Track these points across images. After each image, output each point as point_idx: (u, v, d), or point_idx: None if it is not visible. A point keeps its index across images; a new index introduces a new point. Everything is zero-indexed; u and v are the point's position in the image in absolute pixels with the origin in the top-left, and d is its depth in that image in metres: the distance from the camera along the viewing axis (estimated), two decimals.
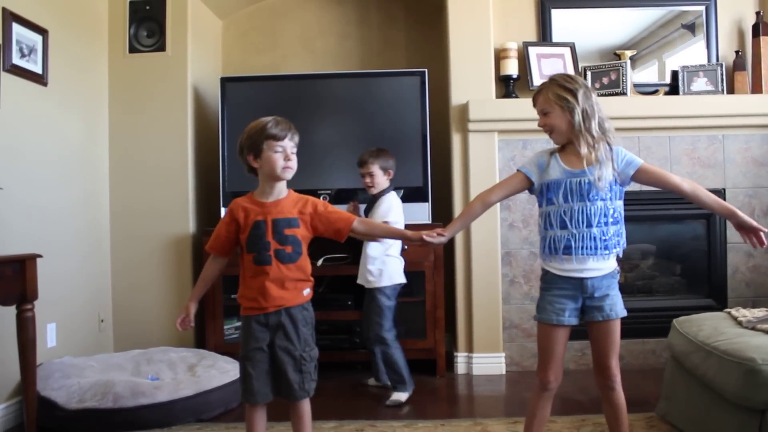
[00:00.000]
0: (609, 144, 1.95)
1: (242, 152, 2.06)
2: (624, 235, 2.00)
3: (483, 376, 3.47)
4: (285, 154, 2.01)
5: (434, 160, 3.67)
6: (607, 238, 1.94)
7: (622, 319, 2.00)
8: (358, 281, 3.12)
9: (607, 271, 1.97)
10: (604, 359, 1.99)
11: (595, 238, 1.93)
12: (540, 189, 2.02)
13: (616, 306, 1.97)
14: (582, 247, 1.93)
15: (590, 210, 1.94)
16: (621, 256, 2.02)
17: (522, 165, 2.07)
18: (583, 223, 1.93)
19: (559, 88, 1.96)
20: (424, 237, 2.05)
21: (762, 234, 1.95)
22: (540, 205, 2.05)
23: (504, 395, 3.21)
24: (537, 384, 2.05)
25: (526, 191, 2.08)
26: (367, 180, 3.11)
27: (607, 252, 1.95)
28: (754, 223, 1.96)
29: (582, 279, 1.95)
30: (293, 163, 2.02)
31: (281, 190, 2.06)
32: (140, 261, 3.64)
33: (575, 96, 1.93)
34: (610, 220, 1.95)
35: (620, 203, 2.00)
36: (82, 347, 3.31)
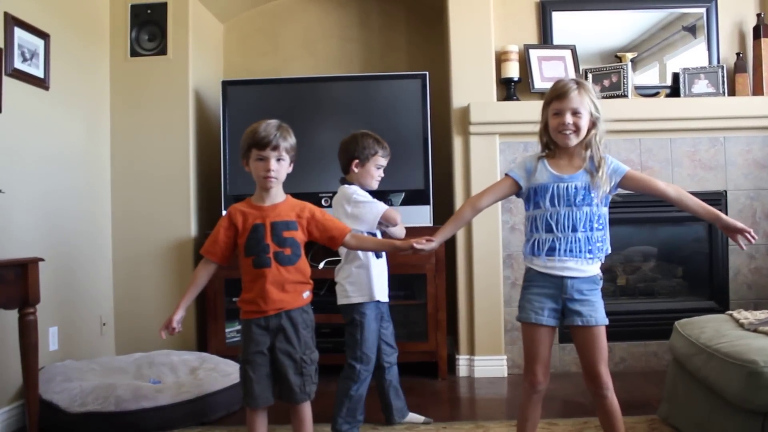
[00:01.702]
0: (602, 156, 1.98)
1: (240, 157, 2.09)
2: (608, 241, 2.01)
3: (485, 379, 3.47)
4: (265, 163, 1.99)
5: (435, 162, 3.67)
6: (591, 243, 1.96)
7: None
8: (386, 299, 2.66)
9: (589, 275, 1.97)
10: (593, 367, 1.98)
11: (579, 241, 1.95)
12: (528, 193, 2.03)
13: (597, 313, 1.96)
14: (566, 250, 1.94)
15: (576, 215, 1.95)
16: (603, 261, 2.03)
17: (510, 169, 2.08)
18: (568, 227, 1.95)
19: (593, 96, 1.97)
20: (414, 245, 2.05)
21: (749, 232, 1.96)
22: (527, 209, 2.06)
23: (506, 398, 3.20)
24: (526, 386, 2.05)
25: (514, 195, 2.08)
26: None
27: (590, 256, 1.96)
28: (739, 225, 1.97)
29: (562, 278, 1.95)
30: (275, 173, 2.00)
31: (277, 194, 2.07)
32: (142, 264, 3.65)
33: (599, 107, 1.98)
34: (596, 225, 1.97)
35: (606, 210, 2.01)
36: (84, 351, 3.31)
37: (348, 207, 2.55)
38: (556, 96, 1.97)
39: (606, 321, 1.98)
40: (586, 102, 1.95)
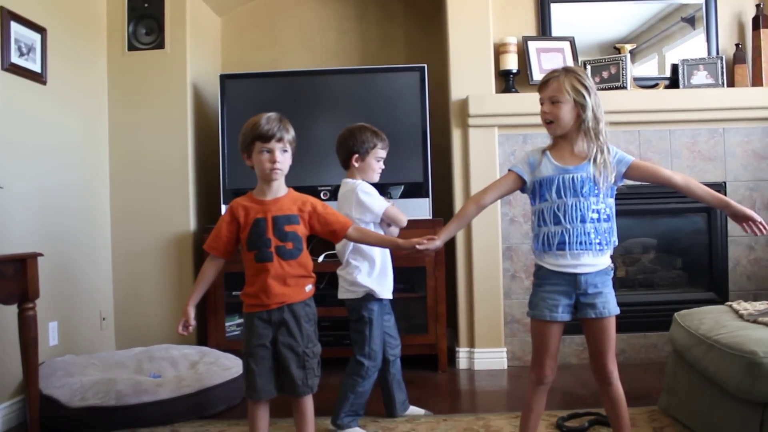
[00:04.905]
0: (607, 146, 1.96)
1: (241, 151, 2.08)
2: (615, 233, 2.00)
3: (485, 371, 3.47)
4: (271, 155, 2.00)
5: (434, 155, 3.67)
6: (599, 234, 1.94)
7: (623, 313, 2.00)
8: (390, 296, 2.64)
9: (601, 267, 1.96)
10: (601, 357, 1.99)
11: (588, 233, 1.93)
12: (533, 187, 2.01)
13: (609, 304, 1.96)
14: (576, 242, 1.93)
15: (584, 205, 1.93)
16: (612, 254, 2.02)
17: (513, 165, 2.06)
18: (577, 218, 1.93)
19: (577, 82, 1.93)
20: (417, 247, 2.06)
21: (758, 222, 1.95)
22: (533, 203, 2.04)
23: (506, 390, 3.21)
24: (532, 379, 2.05)
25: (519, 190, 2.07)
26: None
27: (600, 247, 1.95)
28: (748, 212, 1.96)
29: (576, 275, 1.94)
30: (281, 164, 2.01)
31: (279, 188, 2.07)
32: (141, 259, 3.64)
33: (590, 93, 1.93)
34: (603, 216, 1.95)
35: (611, 201, 2.00)
36: (84, 345, 3.31)
37: (355, 196, 2.50)
38: (540, 85, 2.00)
39: (617, 310, 1.98)
40: (567, 89, 1.91)
